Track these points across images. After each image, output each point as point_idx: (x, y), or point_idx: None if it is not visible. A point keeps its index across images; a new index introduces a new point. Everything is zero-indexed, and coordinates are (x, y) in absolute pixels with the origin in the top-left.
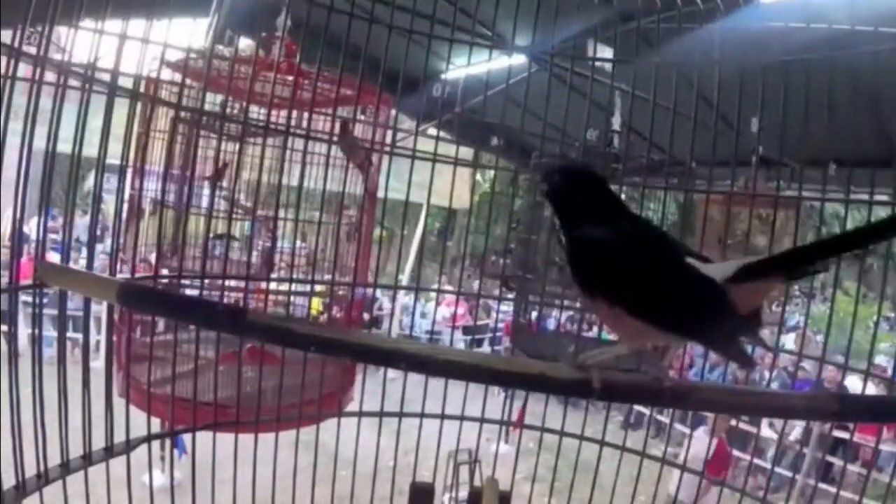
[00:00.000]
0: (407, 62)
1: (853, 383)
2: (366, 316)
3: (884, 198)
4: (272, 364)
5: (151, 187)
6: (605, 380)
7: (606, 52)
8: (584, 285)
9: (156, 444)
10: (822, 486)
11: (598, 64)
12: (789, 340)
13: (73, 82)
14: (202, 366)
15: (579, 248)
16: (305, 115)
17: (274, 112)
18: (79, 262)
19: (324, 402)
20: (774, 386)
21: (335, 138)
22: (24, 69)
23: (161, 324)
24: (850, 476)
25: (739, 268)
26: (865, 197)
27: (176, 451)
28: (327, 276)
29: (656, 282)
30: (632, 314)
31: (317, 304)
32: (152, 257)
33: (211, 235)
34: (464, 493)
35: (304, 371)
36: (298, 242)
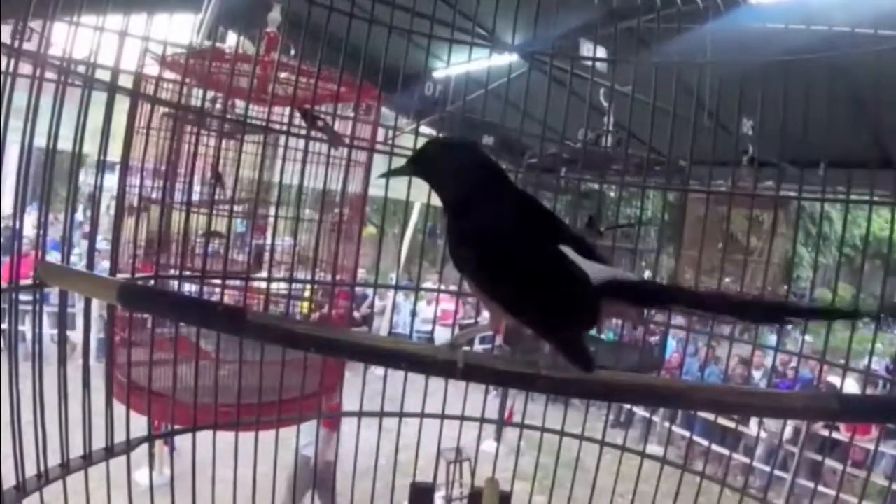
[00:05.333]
0: (388, 59)
1: (842, 384)
2: (357, 315)
3: (880, 198)
4: (206, 360)
5: (144, 184)
6: (469, 361)
7: (599, 51)
8: (452, 258)
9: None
10: (810, 484)
11: (590, 63)
12: (772, 340)
13: (71, 79)
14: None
15: (451, 221)
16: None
17: (261, 108)
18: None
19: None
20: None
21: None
22: (23, 66)
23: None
24: (839, 475)
25: (610, 280)
26: (865, 197)
27: (167, 450)
28: (319, 274)
29: (511, 266)
30: (492, 297)
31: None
32: (140, 254)
33: (200, 233)
34: (457, 492)
35: (238, 369)
36: (289, 240)
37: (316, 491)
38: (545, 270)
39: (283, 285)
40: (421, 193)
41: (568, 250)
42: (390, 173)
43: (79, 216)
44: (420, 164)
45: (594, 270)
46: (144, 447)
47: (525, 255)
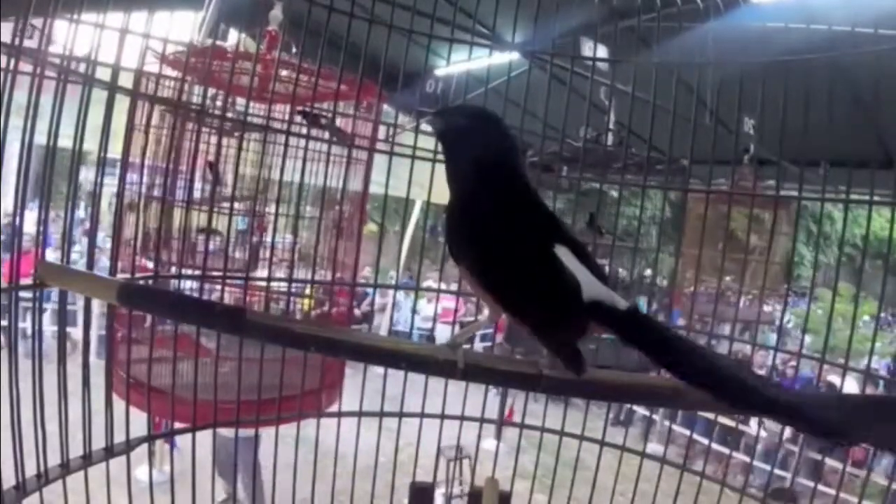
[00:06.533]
0: (388, 57)
1: (842, 383)
2: (357, 312)
3: (880, 198)
4: (206, 357)
5: (144, 181)
6: (469, 361)
7: (600, 50)
8: (450, 246)
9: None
10: (810, 483)
11: (590, 62)
12: (772, 339)
13: (71, 77)
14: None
15: (454, 207)
16: (287, 108)
17: (261, 106)
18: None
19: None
20: None
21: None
22: (23, 64)
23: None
24: (839, 475)
25: (599, 301)
26: (865, 197)
27: (167, 447)
28: (319, 272)
29: (511, 262)
30: (486, 288)
31: (308, 300)
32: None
33: (196, 230)
34: (457, 490)
35: (233, 366)
36: (289, 237)
37: (240, 474)
38: (539, 271)
39: (283, 285)
40: (421, 191)
41: (564, 251)
42: (417, 124)
43: (80, 213)
44: (446, 131)
45: (587, 281)
46: (144, 446)
47: (521, 250)
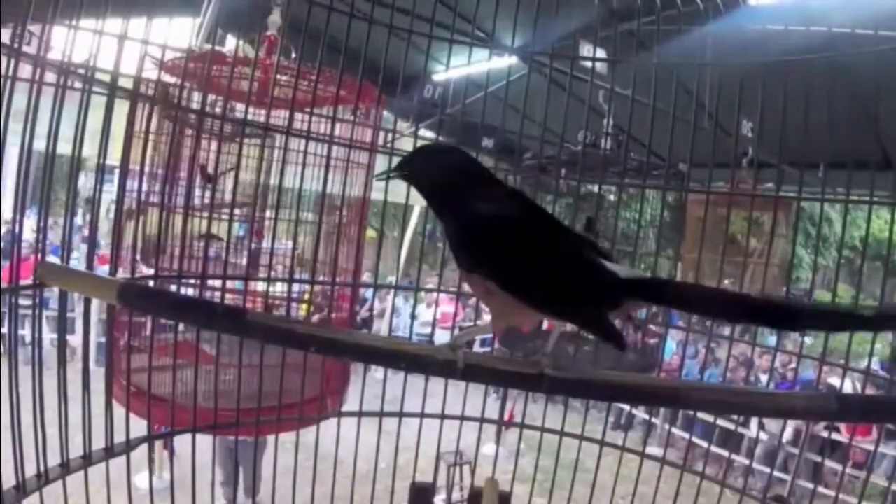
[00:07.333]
0: (387, 61)
1: (842, 384)
2: (357, 318)
3: (879, 199)
4: (207, 363)
5: (143, 187)
6: (469, 361)
7: (599, 54)
8: (459, 259)
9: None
10: (810, 485)
11: (588, 65)
12: (772, 340)
13: (70, 81)
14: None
15: (454, 222)
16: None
17: (260, 110)
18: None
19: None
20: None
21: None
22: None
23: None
24: (839, 477)
25: (635, 278)
26: (865, 198)
27: (166, 454)
28: (319, 277)
29: (531, 258)
30: (506, 290)
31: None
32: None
33: (198, 235)
34: (457, 495)
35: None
36: (289, 243)
37: (241, 467)
38: (571, 262)
39: (283, 290)
40: (420, 196)
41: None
42: (388, 174)
43: (78, 220)
44: (408, 169)
45: (616, 267)
46: (144, 449)
47: (547, 247)
